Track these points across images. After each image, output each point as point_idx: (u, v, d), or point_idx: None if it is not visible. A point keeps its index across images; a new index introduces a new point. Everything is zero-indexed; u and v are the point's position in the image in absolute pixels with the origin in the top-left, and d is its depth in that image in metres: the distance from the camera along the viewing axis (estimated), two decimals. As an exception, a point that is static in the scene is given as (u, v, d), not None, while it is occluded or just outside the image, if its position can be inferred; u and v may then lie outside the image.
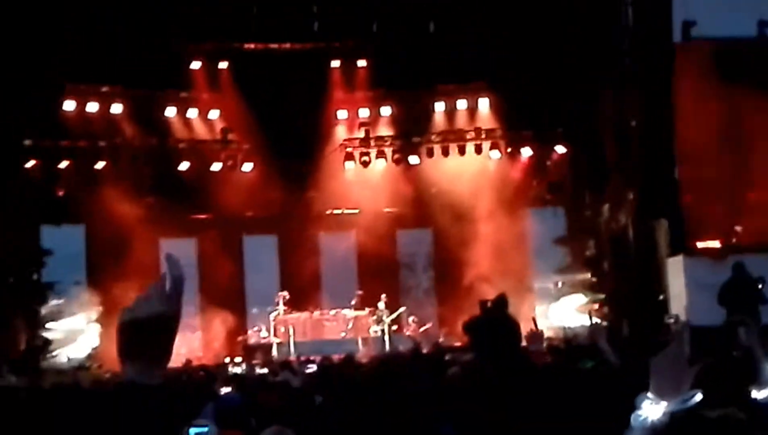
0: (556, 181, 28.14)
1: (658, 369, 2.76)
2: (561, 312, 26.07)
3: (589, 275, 26.48)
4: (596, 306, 25.01)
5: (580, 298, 25.88)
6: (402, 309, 26.45)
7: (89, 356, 24.04)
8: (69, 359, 23.72)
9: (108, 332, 24.60)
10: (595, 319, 24.32)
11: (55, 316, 24.38)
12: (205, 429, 5.16)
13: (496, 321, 5.77)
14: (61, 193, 26.24)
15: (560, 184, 28.05)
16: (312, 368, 13.16)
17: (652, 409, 2.70)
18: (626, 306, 23.68)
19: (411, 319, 26.79)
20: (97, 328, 24.62)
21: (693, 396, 2.65)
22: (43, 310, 24.43)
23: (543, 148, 27.92)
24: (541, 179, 28.58)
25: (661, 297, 22.89)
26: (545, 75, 25.25)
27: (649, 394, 2.74)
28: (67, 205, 26.18)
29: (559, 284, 27.06)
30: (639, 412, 2.73)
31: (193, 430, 5.12)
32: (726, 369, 3.29)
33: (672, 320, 21.22)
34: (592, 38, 24.56)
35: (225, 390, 8.83)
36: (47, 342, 23.82)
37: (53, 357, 23.77)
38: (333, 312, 26.77)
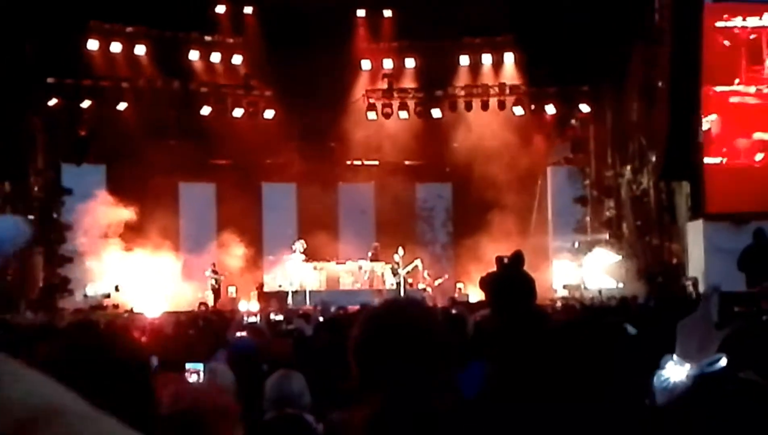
0: (578, 139, 27.94)
1: (685, 331, 2.70)
2: (580, 273, 26.00)
3: (607, 236, 26.40)
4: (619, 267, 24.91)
5: (602, 259, 25.76)
6: (417, 261, 26.43)
7: (106, 295, 24.20)
8: (86, 298, 23.89)
9: (124, 272, 24.76)
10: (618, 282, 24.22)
11: (73, 254, 24.51)
12: (200, 365, 5.17)
13: (511, 277, 5.70)
14: (82, 133, 26.26)
15: (583, 143, 27.85)
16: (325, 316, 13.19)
17: (675, 371, 2.65)
18: (644, 268, 23.58)
19: (426, 272, 26.80)
20: (114, 267, 24.77)
21: (718, 360, 2.60)
22: (62, 249, 24.57)
23: (567, 106, 27.67)
24: (564, 137, 28.39)
25: (680, 260, 22.79)
26: (573, 31, 24.91)
27: (674, 356, 2.69)
28: (88, 144, 26.22)
29: (576, 244, 26.98)
30: (662, 373, 2.68)
31: (189, 365, 5.13)
32: (755, 334, 3.22)
33: (690, 283, 21.13)
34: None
35: (239, 335, 8.86)
36: (65, 280, 23.98)
37: (70, 295, 23.95)
38: (349, 262, 26.80)
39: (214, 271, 25.97)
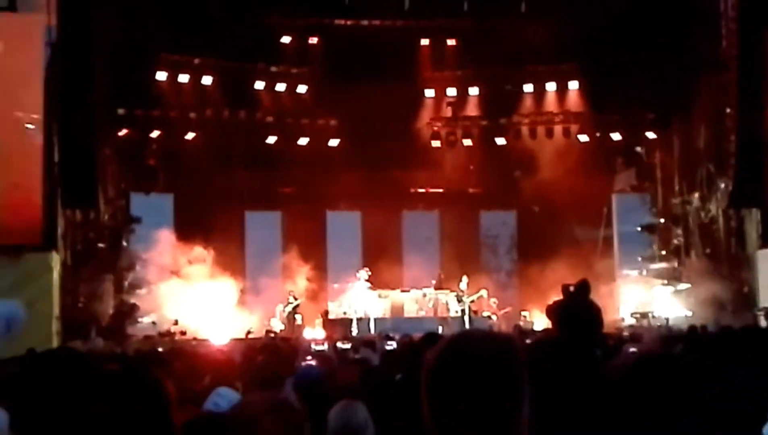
0: (644, 167, 27.66)
1: None
2: (648, 301, 25.66)
3: (675, 264, 26.03)
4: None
5: (667, 288, 25.42)
6: (483, 291, 26.31)
7: (174, 322, 24.49)
8: (154, 324, 24.20)
9: (191, 299, 25.04)
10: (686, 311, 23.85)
11: (142, 282, 24.87)
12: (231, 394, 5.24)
13: (578, 306, 5.65)
14: (151, 162, 26.74)
15: (649, 171, 27.57)
16: (392, 345, 13.19)
17: None
18: (713, 296, 23.19)
19: (492, 301, 26.66)
20: (181, 295, 25.05)
21: None
22: (131, 277, 24.95)
23: (633, 133, 27.45)
24: (630, 165, 28.14)
25: (750, 289, 22.38)
26: (637, 58, 24.74)
27: None
28: (157, 174, 26.68)
29: (644, 272, 26.64)
30: None
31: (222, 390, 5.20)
32: None
33: (761, 313, 20.73)
34: (687, 21, 23.99)
35: (306, 363, 8.91)
36: (134, 308, 24.33)
37: (139, 322, 24.27)
38: (413, 290, 26.77)
39: (294, 297, 25.96)
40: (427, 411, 2.25)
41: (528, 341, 12.54)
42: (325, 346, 15.89)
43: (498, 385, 2.21)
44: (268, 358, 6.50)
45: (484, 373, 2.22)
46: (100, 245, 24.05)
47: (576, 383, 3.49)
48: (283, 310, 25.86)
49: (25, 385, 2.50)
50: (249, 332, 24.15)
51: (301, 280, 26.65)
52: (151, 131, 26.53)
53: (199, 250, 25.21)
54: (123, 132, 25.76)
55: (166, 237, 25.04)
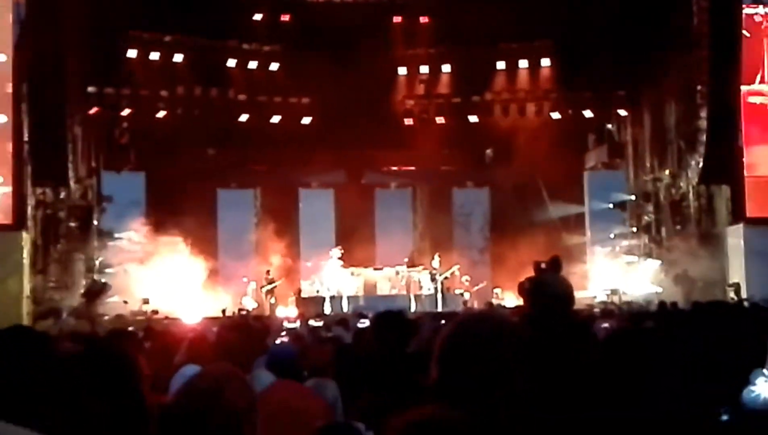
0: (616, 144, 27.79)
1: None
2: (619, 278, 25.84)
3: (646, 241, 26.22)
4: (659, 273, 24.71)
5: (638, 264, 25.60)
6: (455, 267, 26.39)
7: (145, 301, 24.39)
8: (126, 304, 24.09)
9: (163, 277, 24.96)
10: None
11: (114, 262, 24.75)
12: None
13: (549, 282, 5.69)
14: (122, 141, 26.55)
15: (620, 148, 27.70)
16: (364, 323, 13.22)
17: (766, 387, 2.60)
18: (683, 273, 23.40)
19: (464, 278, 26.75)
20: (154, 274, 24.96)
21: None
22: (102, 256, 24.82)
23: (604, 110, 27.55)
24: (602, 142, 28.27)
25: (719, 265, 22.59)
26: (610, 36, 24.80)
27: (765, 371, 2.63)
28: (128, 152, 26.51)
29: (616, 249, 26.82)
30: (752, 388, 2.63)
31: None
32: None
33: (731, 289, 20.94)
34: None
35: (279, 341, 8.92)
36: (105, 287, 24.22)
37: (111, 302, 24.17)
38: (386, 268, 26.81)
39: (272, 279, 25.90)
40: (436, 379, 2.49)
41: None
42: (298, 324, 15.90)
43: (503, 362, 2.45)
44: (240, 336, 6.48)
45: (492, 351, 2.45)
46: (71, 224, 23.88)
47: (549, 364, 3.52)
48: (260, 290, 25.82)
49: None
50: (224, 311, 24.11)
51: (274, 259, 26.64)
52: (122, 109, 26.32)
53: (171, 229, 25.11)
54: (93, 110, 25.53)
55: (137, 216, 24.92)
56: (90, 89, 25.30)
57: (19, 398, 2.24)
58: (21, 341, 2.62)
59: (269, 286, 25.69)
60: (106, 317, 22.14)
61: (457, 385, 2.43)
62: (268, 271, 26.09)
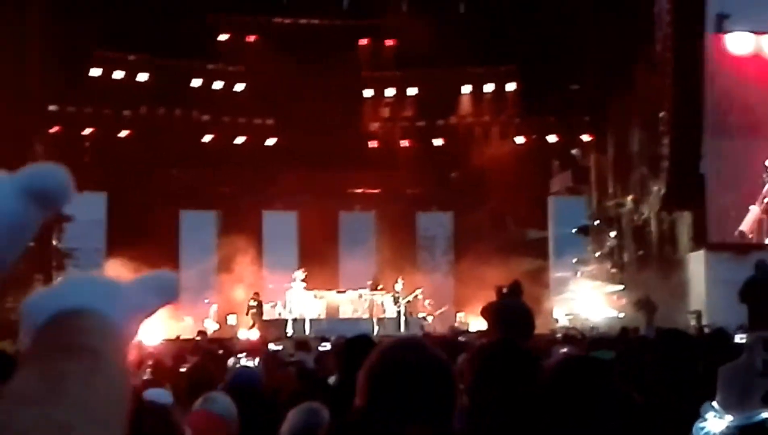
0: (580, 169, 27.96)
1: (726, 380, 2.61)
2: (581, 303, 25.92)
3: (609, 266, 26.33)
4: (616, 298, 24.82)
5: (601, 289, 25.70)
6: (419, 291, 26.34)
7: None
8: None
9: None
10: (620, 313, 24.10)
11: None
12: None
13: (509, 307, 5.68)
14: (84, 160, 26.28)
15: (584, 173, 27.86)
16: (326, 347, 13.11)
17: (716, 423, 2.56)
18: (645, 298, 23.49)
19: (427, 302, 26.70)
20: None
21: (761, 413, 2.51)
22: (61, 276, 24.51)
23: (569, 135, 27.73)
24: (566, 167, 28.42)
25: (681, 291, 22.71)
26: (574, 62, 25.00)
27: (715, 405, 2.60)
28: (90, 171, 26.22)
29: (578, 274, 26.91)
30: (702, 424, 2.59)
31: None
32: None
33: (692, 316, 21.04)
34: (623, 26, 24.28)
35: (240, 365, 8.80)
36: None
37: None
38: (349, 291, 26.68)
39: (257, 299, 25.46)
40: (363, 408, 2.41)
41: (462, 340, 12.57)
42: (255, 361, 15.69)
43: (429, 392, 2.36)
44: (200, 360, 6.38)
45: (421, 383, 2.36)
46: (30, 244, 23.51)
47: (518, 392, 3.47)
48: (250, 312, 25.35)
49: None
50: (203, 332, 23.67)
51: (236, 280, 26.42)
52: (84, 128, 26.09)
53: (132, 249, 24.85)
54: (55, 129, 25.28)
55: (98, 235, 24.65)
56: (51, 108, 25.06)
57: None
58: None
59: (255, 309, 25.29)
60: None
61: (382, 414, 2.35)
62: (256, 293, 25.70)
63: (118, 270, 24.77)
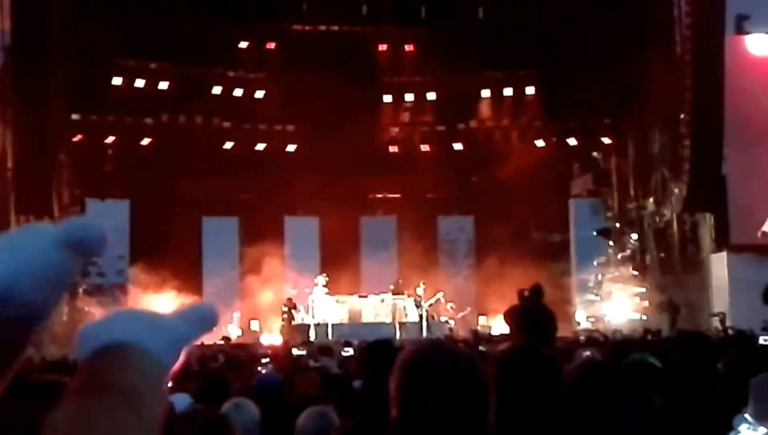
0: (600, 172, 27.91)
1: (758, 392, 2.58)
2: (604, 305, 25.86)
3: (630, 269, 26.26)
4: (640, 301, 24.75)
5: (623, 292, 25.64)
6: (440, 294, 26.34)
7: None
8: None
9: (148, 306, 24.79)
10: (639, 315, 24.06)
11: (97, 289, 24.63)
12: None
13: (531, 310, 5.71)
14: (107, 168, 26.51)
15: (605, 176, 27.81)
16: (349, 352, 13.18)
17: (750, 434, 2.54)
18: (667, 301, 23.45)
19: (449, 305, 26.70)
20: (137, 302, 24.84)
21: None
22: (85, 284, 24.69)
23: (589, 138, 27.69)
24: (586, 170, 28.38)
25: (704, 293, 22.65)
26: (594, 64, 24.97)
27: (747, 416, 2.57)
28: (112, 179, 26.45)
29: (599, 276, 26.86)
30: None
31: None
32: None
33: (715, 317, 20.98)
34: (643, 28, 24.25)
35: (264, 370, 8.87)
36: (88, 315, 24.06)
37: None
38: (371, 296, 26.72)
39: (293, 305, 25.54)
40: (395, 415, 2.35)
41: (483, 348, 12.58)
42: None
43: (463, 398, 2.33)
44: (223, 366, 6.45)
45: (451, 387, 2.33)
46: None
47: (509, 400, 3.49)
48: (283, 318, 25.45)
49: None
50: (226, 337, 23.82)
51: (258, 286, 26.52)
52: (107, 137, 26.30)
53: (155, 257, 25.01)
54: (78, 137, 25.50)
55: (121, 243, 24.80)
56: (74, 116, 25.27)
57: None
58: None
59: (286, 314, 25.34)
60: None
61: (419, 423, 2.34)
62: (289, 299, 25.82)
63: (141, 278, 24.96)
